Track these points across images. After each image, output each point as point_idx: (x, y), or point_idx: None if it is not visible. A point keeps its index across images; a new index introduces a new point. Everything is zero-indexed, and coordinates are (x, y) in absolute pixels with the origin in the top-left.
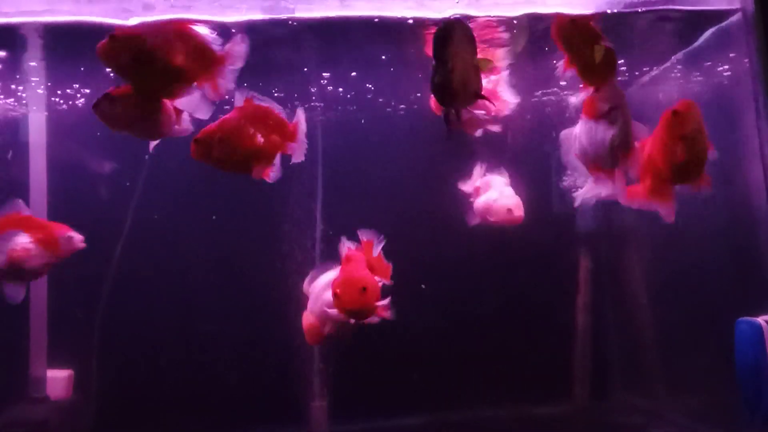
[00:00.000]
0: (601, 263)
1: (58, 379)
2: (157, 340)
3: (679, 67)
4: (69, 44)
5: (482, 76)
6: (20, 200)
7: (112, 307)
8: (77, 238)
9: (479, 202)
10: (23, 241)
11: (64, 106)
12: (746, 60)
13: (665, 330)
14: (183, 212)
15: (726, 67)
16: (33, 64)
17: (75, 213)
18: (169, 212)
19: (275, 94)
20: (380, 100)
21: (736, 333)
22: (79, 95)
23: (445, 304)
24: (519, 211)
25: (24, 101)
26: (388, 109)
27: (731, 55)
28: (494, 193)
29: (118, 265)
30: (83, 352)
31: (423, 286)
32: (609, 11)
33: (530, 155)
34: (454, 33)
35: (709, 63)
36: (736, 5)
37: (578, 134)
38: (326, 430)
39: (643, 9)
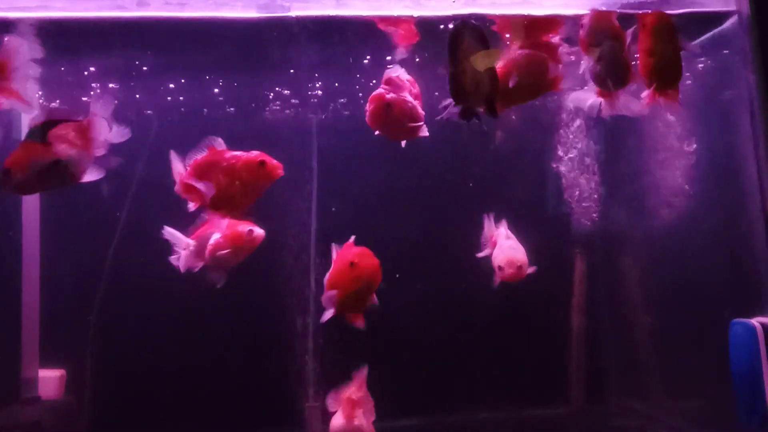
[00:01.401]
0: (596, 265)
1: (50, 379)
2: (150, 340)
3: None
4: (63, 40)
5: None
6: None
7: (105, 307)
8: (258, 231)
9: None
10: (217, 237)
11: (58, 103)
12: (742, 62)
13: (661, 332)
14: (176, 212)
15: (722, 69)
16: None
17: (68, 212)
18: (161, 212)
19: (270, 94)
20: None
21: (731, 335)
22: (73, 91)
23: (441, 307)
24: (513, 269)
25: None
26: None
27: (727, 57)
28: (499, 250)
29: (112, 265)
30: (76, 352)
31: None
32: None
33: (526, 155)
34: (464, 35)
35: (704, 65)
36: (732, 7)
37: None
38: None
39: (640, 11)
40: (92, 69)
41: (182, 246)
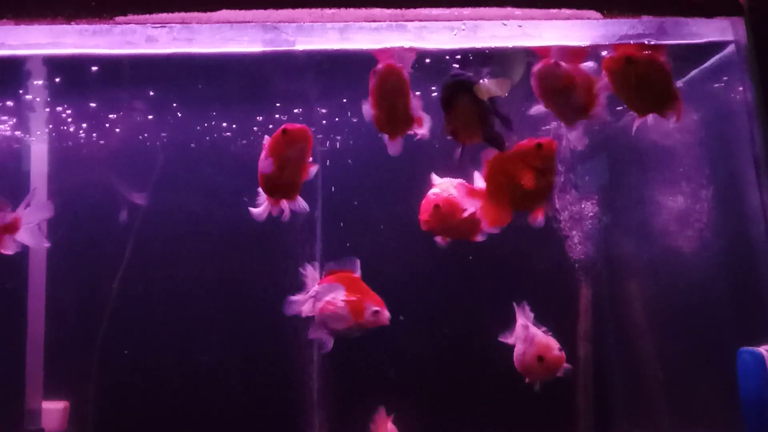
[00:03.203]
0: (602, 294)
1: (53, 411)
2: (154, 372)
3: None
4: (73, 76)
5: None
6: (358, 260)
7: (109, 339)
8: (384, 315)
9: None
10: (338, 298)
11: (67, 138)
12: (741, 90)
13: (667, 360)
14: (182, 248)
15: (721, 98)
16: (36, 95)
17: (74, 244)
18: (166, 245)
19: (272, 127)
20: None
21: (738, 363)
22: (82, 127)
23: (446, 331)
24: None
25: (27, 132)
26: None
27: (725, 86)
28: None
29: (116, 297)
30: (80, 384)
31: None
32: (604, 44)
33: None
34: (455, 94)
35: (703, 94)
36: (730, 37)
37: None
38: None
39: (636, 42)
40: (100, 103)
41: (310, 288)
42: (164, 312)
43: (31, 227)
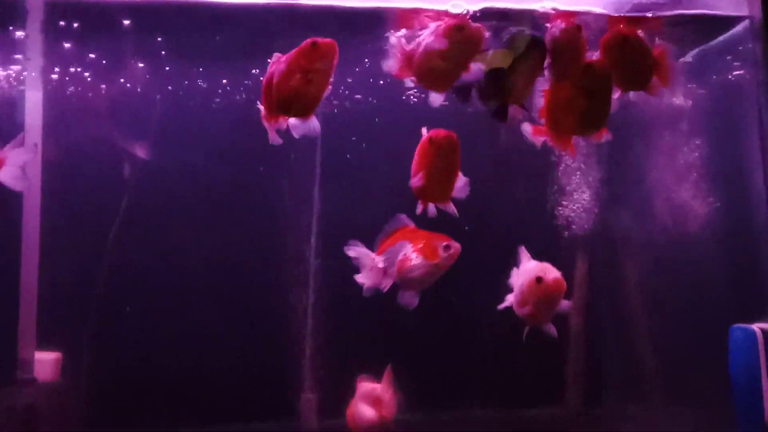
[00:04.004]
0: (597, 268)
1: (46, 361)
2: (147, 325)
3: (683, 73)
4: (70, 21)
5: None
6: (404, 215)
7: (103, 291)
8: (455, 245)
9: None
10: (409, 253)
11: (63, 84)
12: (752, 68)
13: (660, 335)
14: (178, 203)
15: (731, 74)
16: (32, 39)
17: (70, 197)
18: (164, 203)
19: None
20: (384, 92)
21: (730, 340)
22: (78, 74)
23: (439, 305)
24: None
25: (22, 79)
26: (394, 101)
27: (737, 63)
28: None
29: (111, 251)
30: (72, 335)
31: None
32: (616, 14)
33: (528, 155)
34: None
35: (713, 70)
36: (744, 12)
37: None
38: (315, 424)
39: (651, 14)
40: (98, 52)
41: (368, 263)
42: (159, 263)
43: (13, 169)
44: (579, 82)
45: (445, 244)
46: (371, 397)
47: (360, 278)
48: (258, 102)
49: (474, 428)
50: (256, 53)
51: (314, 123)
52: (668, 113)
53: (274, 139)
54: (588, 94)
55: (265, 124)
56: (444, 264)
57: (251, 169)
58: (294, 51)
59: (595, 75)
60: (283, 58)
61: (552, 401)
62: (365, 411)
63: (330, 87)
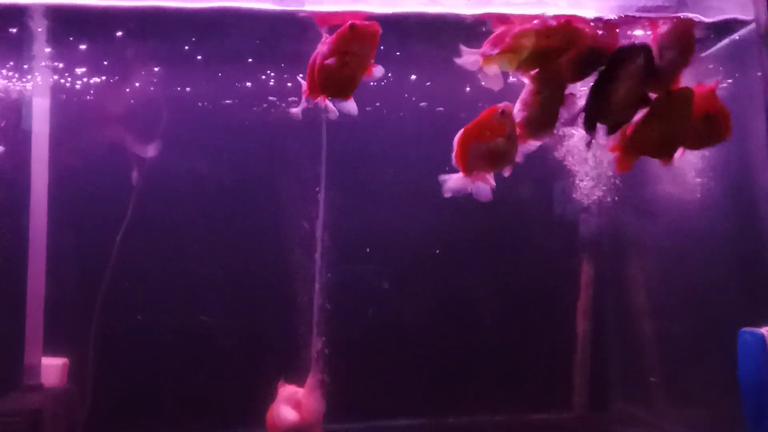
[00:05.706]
0: (604, 271)
1: (53, 366)
2: (152, 330)
3: (689, 74)
4: (75, 27)
5: None
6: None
7: (109, 296)
8: (503, 105)
9: None
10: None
11: (69, 91)
12: (758, 70)
13: (667, 339)
14: (185, 209)
15: (737, 76)
16: (38, 46)
17: (75, 200)
18: (169, 204)
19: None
20: (390, 97)
21: (739, 344)
22: (83, 79)
23: (445, 308)
24: None
25: (29, 85)
26: (399, 106)
27: (743, 65)
28: None
29: (117, 255)
30: (79, 340)
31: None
32: (620, 15)
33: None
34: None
35: (720, 72)
36: (750, 16)
37: None
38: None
39: (655, 15)
40: (104, 58)
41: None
42: (165, 269)
43: None
44: (663, 106)
45: (501, 110)
46: (293, 400)
47: (446, 177)
48: (301, 79)
49: None
50: (263, 58)
51: (351, 105)
52: None
53: (332, 111)
54: (670, 118)
55: (311, 101)
56: (506, 135)
57: (257, 174)
58: (335, 33)
59: (679, 100)
60: (327, 40)
61: (559, 405)
62: (286, 413)
63: (375, 70)
